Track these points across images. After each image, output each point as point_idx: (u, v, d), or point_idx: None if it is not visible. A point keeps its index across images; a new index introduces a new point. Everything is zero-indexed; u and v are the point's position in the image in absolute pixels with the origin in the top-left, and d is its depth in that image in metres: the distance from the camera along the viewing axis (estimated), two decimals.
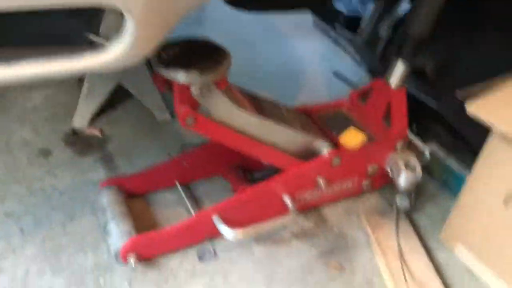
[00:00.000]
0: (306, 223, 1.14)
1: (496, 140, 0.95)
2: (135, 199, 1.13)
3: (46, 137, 1.32)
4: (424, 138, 1.33)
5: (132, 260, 0.95)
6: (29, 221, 1.06)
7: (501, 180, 0.96)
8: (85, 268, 0.97)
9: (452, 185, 1.24)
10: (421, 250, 1.08)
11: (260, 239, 1.08)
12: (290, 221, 1.04)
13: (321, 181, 1.10)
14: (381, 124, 1.20)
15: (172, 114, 1.43)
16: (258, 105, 1.03)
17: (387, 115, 1.18)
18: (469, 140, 1.20)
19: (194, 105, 0.89)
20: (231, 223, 1.00)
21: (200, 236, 1.04)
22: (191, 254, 1.03)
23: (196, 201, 1.14)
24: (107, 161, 1.26)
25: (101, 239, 1.03)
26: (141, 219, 1.07)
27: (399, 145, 1.15)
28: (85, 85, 1.34)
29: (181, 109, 0.87)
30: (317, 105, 1.26)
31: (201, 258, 1.02)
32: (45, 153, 1.26)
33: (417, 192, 1.22)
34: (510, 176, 0.94)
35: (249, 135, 0.98)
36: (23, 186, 1.15)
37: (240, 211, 1.03)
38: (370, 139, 1.16)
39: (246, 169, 1.19)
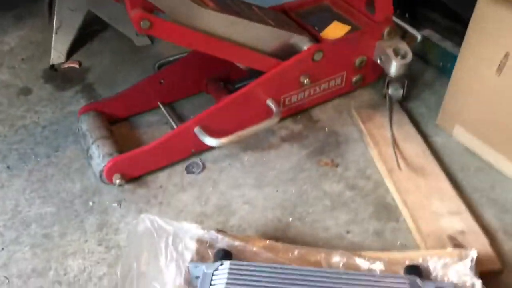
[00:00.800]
0: (295, 126, 1.10)
1: (483, 3, 0.87)
2: (118, 124, 1.11)
3: (25, 77, 1.29)
4: (419, 25, 1.26)
5: (118, 180, 0.94)
6: (15, 158, 1.05)
7: (492, 48, 0.89)
8: (74, 193, 0.97)
9: (449, 70, 1.16)
10: (417, 137, 1.03)
11: (248, 147, 1.05)
12: (275, 122, 1.00)
13: (305, 80, 1.04)
14: (364, 12, 1.12)
15: (151, 38, 1.37)
16: (224, 4, 0.96)
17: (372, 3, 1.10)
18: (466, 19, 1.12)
19: (148, 8, 0.83)
20: (214, 133, 0.97)
21: (185, 150, 1.01)
22: (179, 169, 1.01)
23: (181, 119, 1.11)
24: (88, 91, 1.22)
25: (87, 166, 1.01)
26: (125, 141, 1.04)
27: (385, 32, 1.08)
28: (56, 20, 1.29)
29: (133, 13, 0.81)
30: (296, 1, 1.18)
31: (189, 171, 1.00)
32: (25, 92, 1.24)
33: (412, 81, 1.16)
34: (501, 42, 0.87)
35: (217, 36, 0.92)
36: (6, 126, 1.13)
37: (222, 120, 0.99)
38: (355, 30, 1.09)
39: (227, 81, 1.15)
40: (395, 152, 0.98)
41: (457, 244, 0.80)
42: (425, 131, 1.06)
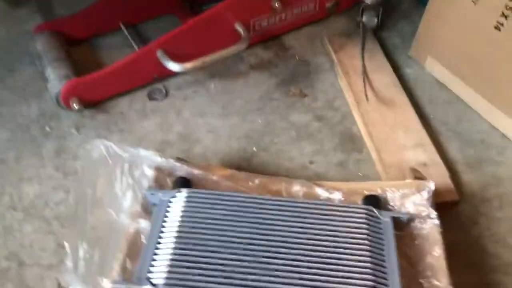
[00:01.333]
0: (265, 53, 1.05)
1: None
2: (78, 45, 1.04)
3: None
4: None
5: (75, 104, 0.90)
6: None
7: None
8: (30, 118, 0.92)
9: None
10: (388, 68, 1.00)
11: (215, 74, 1.01)
12: (243, 48, 0.95)
13: (276, 3, 0.99)
14: None
15: None
16: None
17: None
18: None
19: None
20: (178, 58, 0.92)
21: (147, 75, 0.96)
22: (141, 96, 0.97)
23: (144, 42, 1.05)
24: (46, 9, 1.14)
25: (44, 89, 0.96)
26: (84, 64, 0.99)
27: None
28: None
29: None
30: None
31: (151, 97, 0.96)
32: None
33: (388, 10, 1.11)
34: None
35: None
36: None
37: (187, 44, 0.94)
38: None
39: (194, 2, 1.08)
40: (364, 83, 0.95)
41: (418, 176, 0.80)
42: (397, 62, 1.03)
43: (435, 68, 0.99)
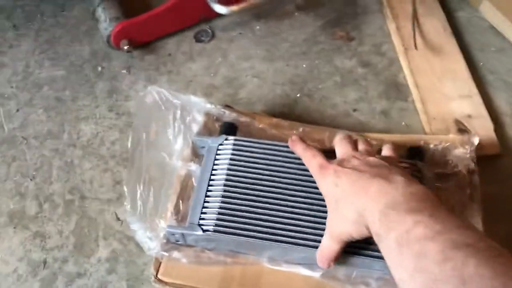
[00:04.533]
0: None
1: None
2: None
3: None
4: None
5: (125, 46, 0.92)
6: (20, 16, 1.03)
7: None
8: (83, 57, 0.96)
9: None
10: (439, 11, 0.97)
11: (261, 15, 1.00)
12: None
13: None
14: None
15: None
16: None
17: None
18: None
19: None
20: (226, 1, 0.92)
21: (193, 16, 0.97)
22: (189, 37, 0.98)
23: None
24: None
25: (95, 28, 0.99)
26: (132, 4, 1.00)
27: None
28: None
29: None
30: None
31: (198, 39, 0.97)
32: None
33: None
34: None
35: None
36: None
37: None
38: None
39: None
40: (413, 28, 0.93)
41: (461, 129, 0.81)
42: (449, 5, 0.99)
43: (489, 12, 0.95)
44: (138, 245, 0.74)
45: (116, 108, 0.89)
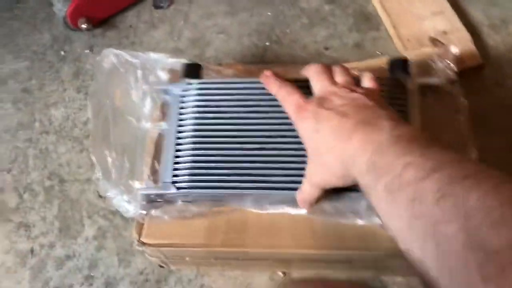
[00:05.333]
0: None
1: None
2: None
3: None
4: None
5: (83, 24, 0.89)
6: None
7: None
8: (44, 45, 0.93)
9: None
10: None
11: None
12: None
13: None
14: None
15: None
16: None
17: None
18: None
19: None
20: None
21: None
22: (148, 5, 0.95)
23: None
24: None
25: (53, 13, 0.96)
26: None
27: None
28: None
29: None
30: None
31: (157, 6, 0.94)
32: None
33: None
34: None
35: None
36: None
37: None
38: None
39: None
40: None
41: (438, 45, 0.77)
42: None
43: None
44: (123, 217, 0.72)
45: (83, 89, 0.87)
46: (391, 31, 0.82)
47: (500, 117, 0.73)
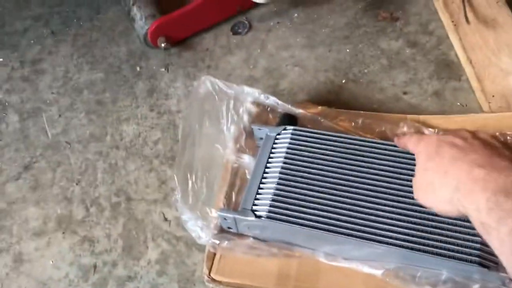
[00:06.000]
0: None
1: None
2: None
3: None
4: None
5: (163, 43, 0.90)
6: (57, 22, 1.03)
7: None
8: (120, 58, 0.95)
9: None
10: None
11: (299, 3, 0.96)
12: None
13: None
14: None
15: None
16: None
17: None
18: None
19: None
20: None
21: (230, 8, 0.94)
22: (225, 30, 0.96)
23: None
24: None
25: (131, 28, 0.97)
26: (167, 1, 0.98)
27: None
28: None
29: None
30: None
31: (235, 32, 0.95)
32: None
33: None
34: None
35: None
36: None
37: None
38: None
39: None
40: (463, 2, 0.87)
41: None
42: None
43: None
44: (187, 244, 0.73)
45: (156, 108, 0.88)
46: (474, 83, 0.80)
47: None
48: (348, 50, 0.89)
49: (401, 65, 0.85)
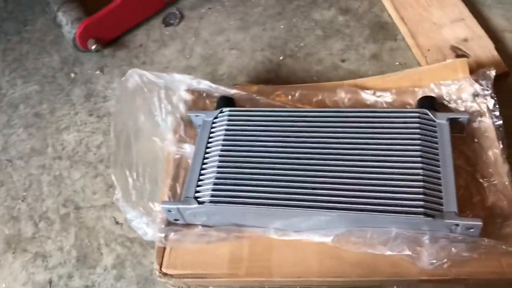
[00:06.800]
0: None
1: None
2: None
3: None
4: None
5: (93, 45, 0.88)
6: None
7: None
8: (53, 67, 0.92)
9: None
10: None
11: None
12: None
13: None
14: None
15: None
16: None
17: None
18: None
19: None
20: None
21: (157, 1, 0.92)
22: (157, 23, 0.93)
23: None
24: None
25: (61, 36, 0.94)
26: (92, 2, 0.95)
27: None
28: None
29: None
30: None
31: (167, 23, 0.92)
32: None
33: None
34: None
35: None
36: None
37: None
38: None
39: None
40: None
41: (460, 54, 0.75)
42: None
43: None
44: (142, 245, 0.71)
45: (96, 111, 0.85)
46: (409, 41, 0.80)
47: None
48: (282, 27, 0.88)
49: (336, 34, 0.85)
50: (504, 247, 0.52)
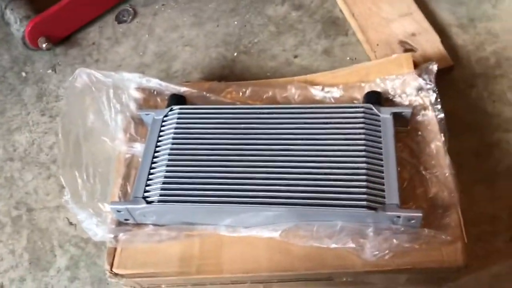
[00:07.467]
0: None
1: None
2: None
3: None
4: None
5: (44, 44, 0.86)
6: None
7: None
8: (3, 66, 0.90)
9: None
10: None
11: None
12: None
13: None
14: None
15: None
16: None
17: None
18: None
19: None
20: None
21: None
22: (110, 20, 0.92)
23: None
24: None
25: (11, 34, 0.92)
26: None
27: None
28: None
29: None
30: None
31: (120, 20, 0.91)
32: None
33: None
34: None
35: None
36: None
37: None
38: None
39: None
40: None
41: (407, 49, 0.76)
42: None
43: None
44: (96, 245, 0.70)
45: (48, 111, 0.84)
46: (359, 36, 0.81)
47: (473, 117, 0.72)
48: (236, 23, 0.88)
49: (289, 29, 0.85)
50: (443, 237, 0.54)
